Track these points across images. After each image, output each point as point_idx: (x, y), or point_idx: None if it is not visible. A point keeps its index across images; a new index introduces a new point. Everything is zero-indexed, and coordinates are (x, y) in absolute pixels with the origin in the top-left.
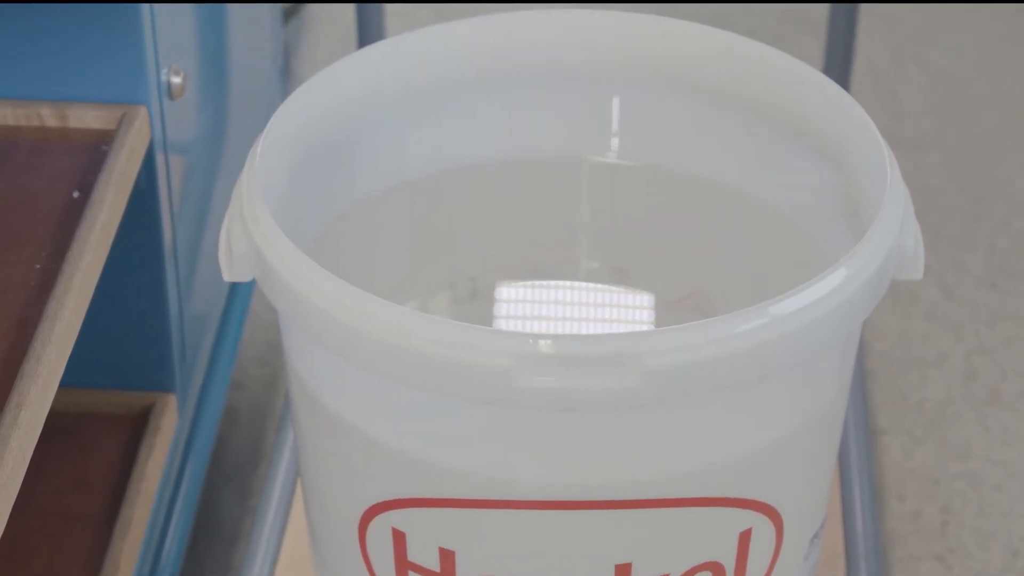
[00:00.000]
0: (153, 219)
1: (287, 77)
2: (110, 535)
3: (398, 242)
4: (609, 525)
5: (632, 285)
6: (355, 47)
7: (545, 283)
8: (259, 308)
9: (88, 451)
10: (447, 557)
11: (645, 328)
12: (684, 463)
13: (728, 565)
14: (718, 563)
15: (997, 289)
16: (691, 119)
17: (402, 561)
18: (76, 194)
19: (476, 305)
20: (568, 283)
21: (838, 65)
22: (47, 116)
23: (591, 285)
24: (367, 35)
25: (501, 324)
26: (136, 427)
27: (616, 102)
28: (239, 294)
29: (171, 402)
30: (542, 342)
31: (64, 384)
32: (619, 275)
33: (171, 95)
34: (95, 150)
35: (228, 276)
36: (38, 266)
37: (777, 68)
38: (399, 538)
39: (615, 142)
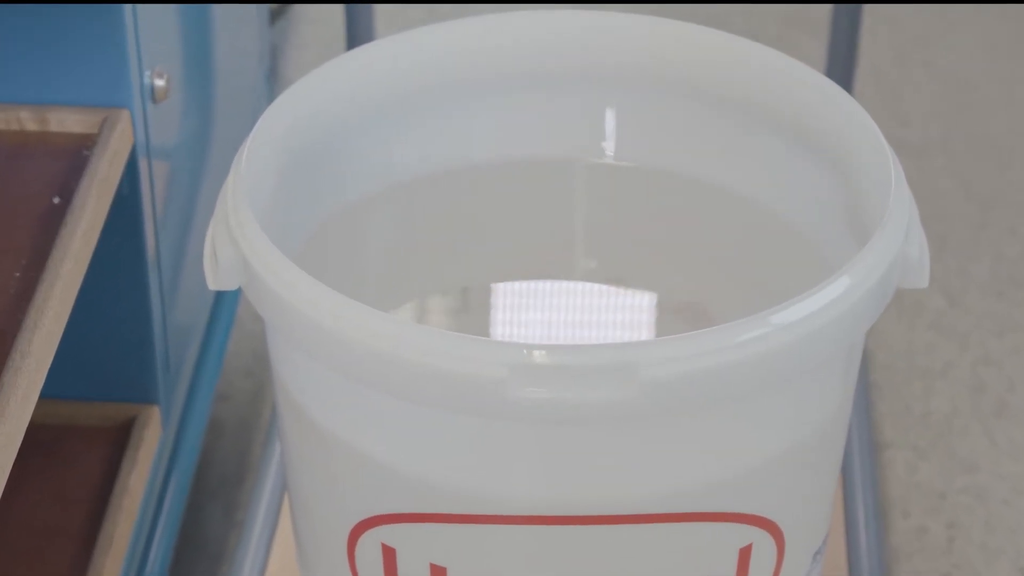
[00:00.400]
0: (136, 226)
1: (274, 80)
2: (92, 551)
3: (388, 248)
4: (605, 541)
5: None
6: (344, 48)
7: (539, 290)
8: (245, 317)
9: (69, 465)
10: (438, 574)
11: (642, 338)
12: (682, 477)
13: None
14: None
15: (1004, 298)
16: (689, 121)
17: None
18: (57, 200)
19: (468, 313)
20: (563, 290)
21: (840, 67)
22: (27, 120)
23: (587, 291)
24: (356, 36)
25: (494, 333)
26: (118, 440)
27: (612, 104)
28: (224, 303)
29: (154, 414)
30: (536, 352)
31: (44, 396)
32: (615, 282)
33: (154, 98)
34: (76, 155)
35: (213, 284)
36: (17, 274)
37: (778, 70)
38: (389, 554)
39: (610, 144)
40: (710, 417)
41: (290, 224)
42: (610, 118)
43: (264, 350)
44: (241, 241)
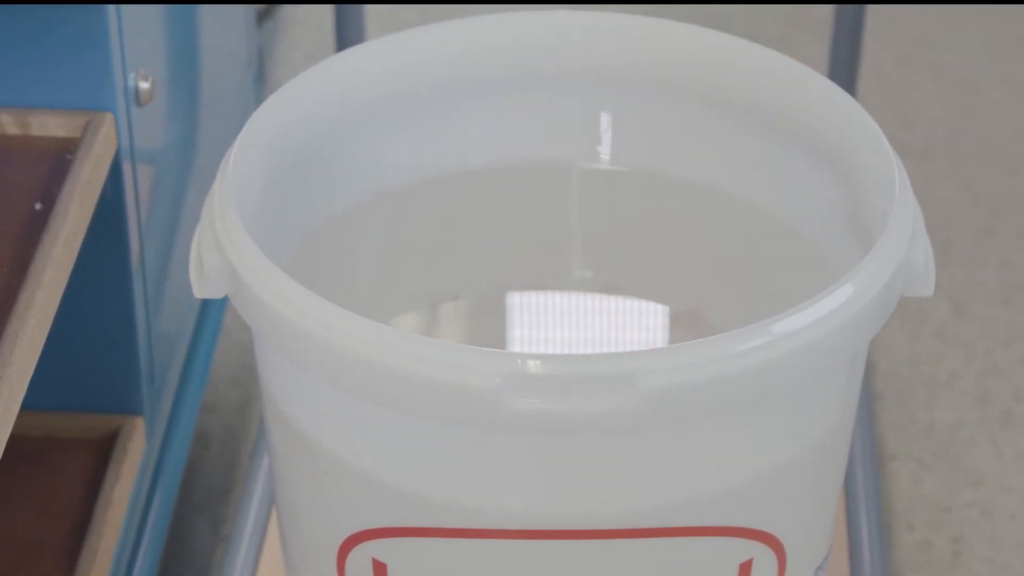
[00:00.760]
0: (120, 232)
1: (261, 82)
2: (75, 566)
3: (379, 256)
4: (602, 556)
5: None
6: (333, 50)
7: (535, 299)
8: (232, 326)
9: (51, 477)
10: None
11: (640, 346)
12: (681, 490)
13: None
14: None
15: (1011, 306)
16: (688, 124)
17: None
18: (38, 206)
19: (461, 322)
20: (559, 298)
21: (843, 69)
22: (7, 123)
23: (584, 298)
24: (346, 38)
25: (488, 343)
26: (102, 452)
27: (607, 107)
28: (211, 312)
29: (139, 425)
30: (531, 361)
31: (26, 407)
32: (612, 290)
33: (139, 101)
34: (58, 159)
35: (199, 292)
36: None
37: (779, 72)
38: (380, 570)
39: (607, 148)
40: (710, 428)
41: (278, 230)
42: (607, 121)
43: (251, 360)
44: (228, 248)
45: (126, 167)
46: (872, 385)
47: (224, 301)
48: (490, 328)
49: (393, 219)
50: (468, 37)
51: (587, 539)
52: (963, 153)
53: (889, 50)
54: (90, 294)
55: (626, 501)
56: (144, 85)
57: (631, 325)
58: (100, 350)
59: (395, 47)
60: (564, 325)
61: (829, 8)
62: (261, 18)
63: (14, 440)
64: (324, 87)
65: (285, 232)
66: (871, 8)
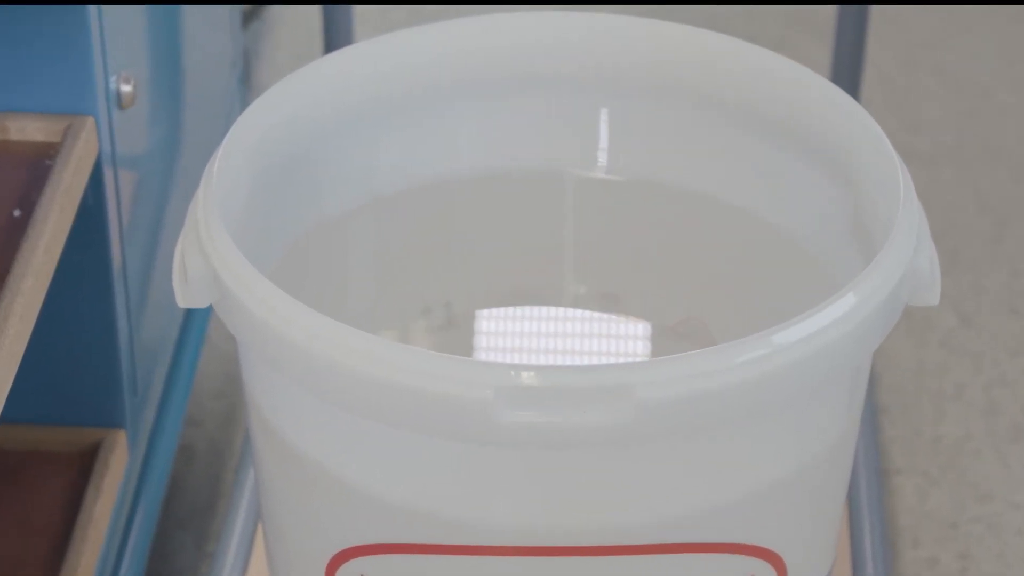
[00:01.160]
0: (101, 239)
1: (247, 85)
2: None
3: (368, 264)
4: (597, 574)
5: (622, 311)
6: (321, 52)
7: (528, 309)
8: (216, 337)
9: (31, 492)
10: None
11: (637, 358)
12: (679, 505)
13: None
14: None
15: (1020, 315)
16: (686, 130)
17: None
18: (17, 212)
19: (452, 333)
20: (553, 309)
21: (846, 72)
22: None
23: (578, 311)
24: (334, 39)
25: (480, 354)
26: (83, 466)
27: (604, 112)
28: (195, 321)
29: (121, 439)
30: (525, 373)
31: (4, 419)
32: (608, 300)
33: (121, 104)
34: (38, 164)
35: (183, 301)
36: None
37: (780, 75)
38: None
39: (603, 155)
40: (709, 441)
41: (264, 238)
42: (603, 127)
43: (236, 371)
44: (212, 255)
45: (108, 172)
46: (876, 397)
47: (208, 310)
48: (481, 340)
49: (382, 226)
50: (460, 38)
51: (581, 556)
52: (970, 158)
53: (893, 52)
54: (70, 303)
55: (622, 517)
56: (126, 88)
57: (627, 336)
58: (81, 361)
59: (385, 48)
60: (558, 337)
61: (832, 9)
62: (247, 19)
63: None
64: (312, 90)
65: (271, 239)
66: (875, 9)
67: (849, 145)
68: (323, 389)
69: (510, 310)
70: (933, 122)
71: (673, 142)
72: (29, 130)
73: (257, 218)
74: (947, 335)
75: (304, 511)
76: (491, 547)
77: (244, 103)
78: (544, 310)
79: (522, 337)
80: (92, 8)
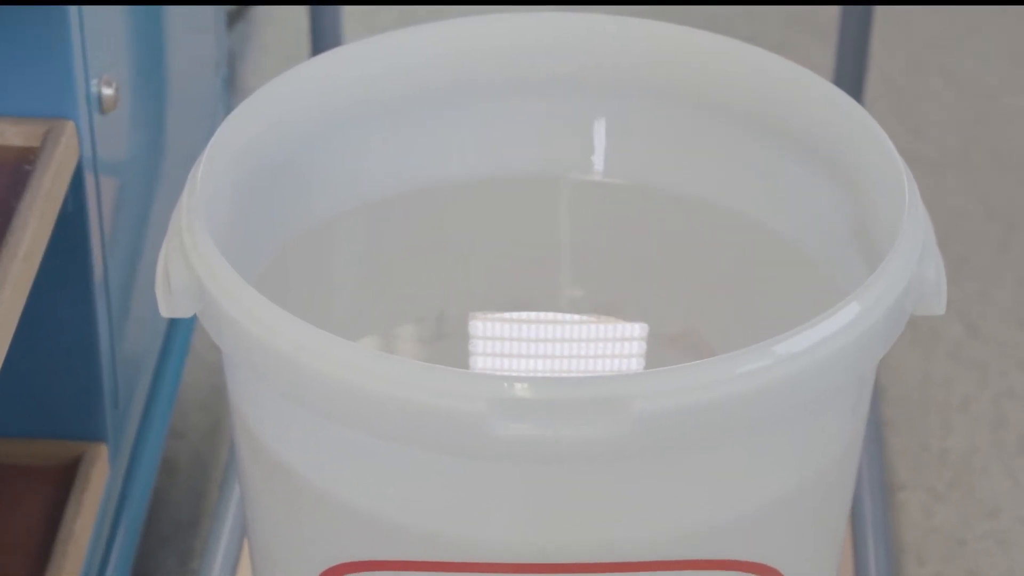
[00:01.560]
0: (82, 247)
1: (232, 88)
2: None
3: (357, 272)
4: None
5: (619, 318)
6: (308, 54)
7: (523, 317)
8: (201, 347)
9: (9, 508)
10: None
11: (634, 369)
12: (677, 521)
13: None
14: None
15: None
16: (685, 133)
17: None
18: None
19: (444, 343)
20: (549, 317)
21: (850, 74)
22: None
23: (574, 319)
24: (322, 40)
25: (473, 364)
26: (63, 481)
27: (601, 114)
28: (178, 331)
29: (102, 452)
30: (519, 385)
31: None
32: (604, 309)
33: (102, 108)
34: (16, 170)
35: (166, 311)
36: None
37: (781, 77)
38: None
39: (599, 158)
40: (708, 455)
41: (250, 245)
42: (600, 130)
43: (221, 382)
44: (196, 263)
45: (88, 178)
46: (880, 410)
47: (192, 320)
48: (474, 350)
49: (371, 233)
50: (452, 40)
51: (576, 573)
52: (977, 162)
53: (898, 54)
54: (50, 313)
55: (619, 533)
56: (108, 91)
57: (624, 347)
58: (61, 372)
59: (374, 50)
60: (552, 346)
61: (834, 9)
62: (232, 20)
63: None
64: (299, 93)
65: (257, 247)
66: (879, 9)
67: (852, 149)
68: (311, 401)
69: (504, 318)
70: (939, 126)
71: (672, 145)
72: (7, 134)
73: (242, 225)
74: (954, 345)
75: (291, 527)
76: (484, 564)
77: (229, 106)
78: (540, 318)
79: (517, 346)
80: (72, 9)
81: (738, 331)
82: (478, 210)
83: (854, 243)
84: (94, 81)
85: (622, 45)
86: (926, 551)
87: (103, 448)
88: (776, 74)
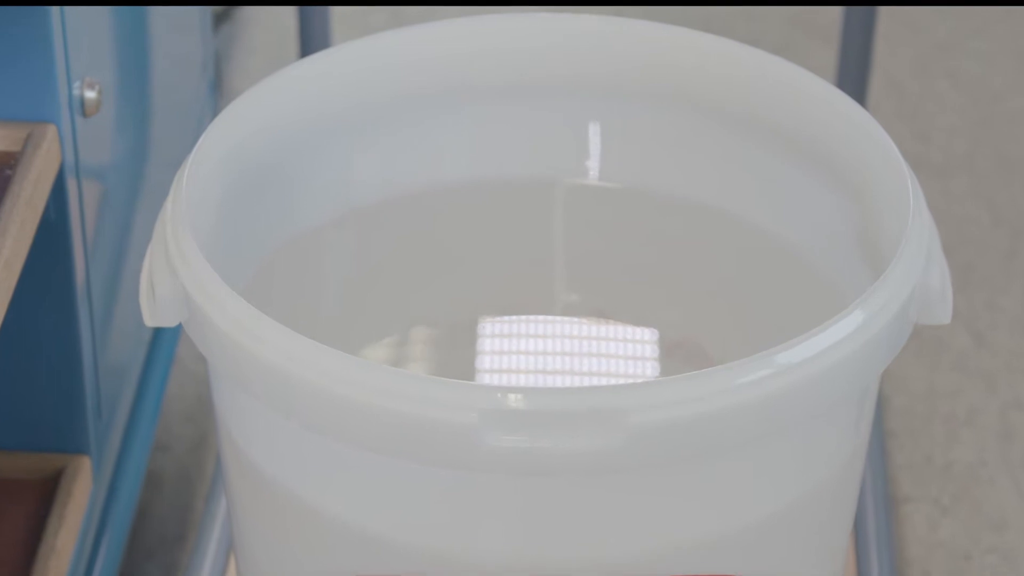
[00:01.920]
0: (64, 254)
1: (218, 91)
2: None
3: (346, 280)
4: None
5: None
6: (296, 56)
7: (517, 326)
8: (186, 357)
9: None
10: None
11: (631, 379)
12: (674, 535)
13: None
14: None
15: None
16: (683, 137)
17: None
18: None
19: (437, 351)
20: (544, 326)
21: (853, 77)
22: None
23: (569, 328)
24: (310, 42)
25: (465, 375)
26: (45, 494)
27: (596, 117)
28: (163, 341)
29: (85, 465)
30: (512, 396)
31: None
32: (600, 317)
33: (84, 112)
34: None
35: (150, 320)
36: None
37: (783, 80)
38: None
39: (594, 162)
40: (706, 468)
41: (237, 252)
42: (596, 133)
43: (207, 393)
44: (181, 271)
45: (71, 183)
46: (884, 421)
47: (177, 330)
48: (467, 359)
49: (362, 239)
50: (444, 42)
51: None
52: (984, 167)
53: (903, 56)
54: (31, 322)
55: (615, 547)
56: (90, 94)
57: (620, 356)
58: (42, 383)
59: (365, 52)
60: (546, 356)
61: (837, 10)
62: (218, 21)
63: None
64: (287, 96)
65: (244, 254)
66: (883, 10)
67: (856, 154)
68: (299, 413)
69: (498, 326)
70: (945, 129)
71: (670, 149)
72: None
73: (229, 231)
74: (960, 356)
75: (279, 542)
76: None
77: (215, 110)
78: (535, 327)
79: (511, 355)
80: (54, 9)
81: (737, 340)
82: (470, 216)
83: (857, 250)
84: (76, 84)
85: (618, 47)
86: (931, 566)
87: (86, 461)
88: (776, 76)
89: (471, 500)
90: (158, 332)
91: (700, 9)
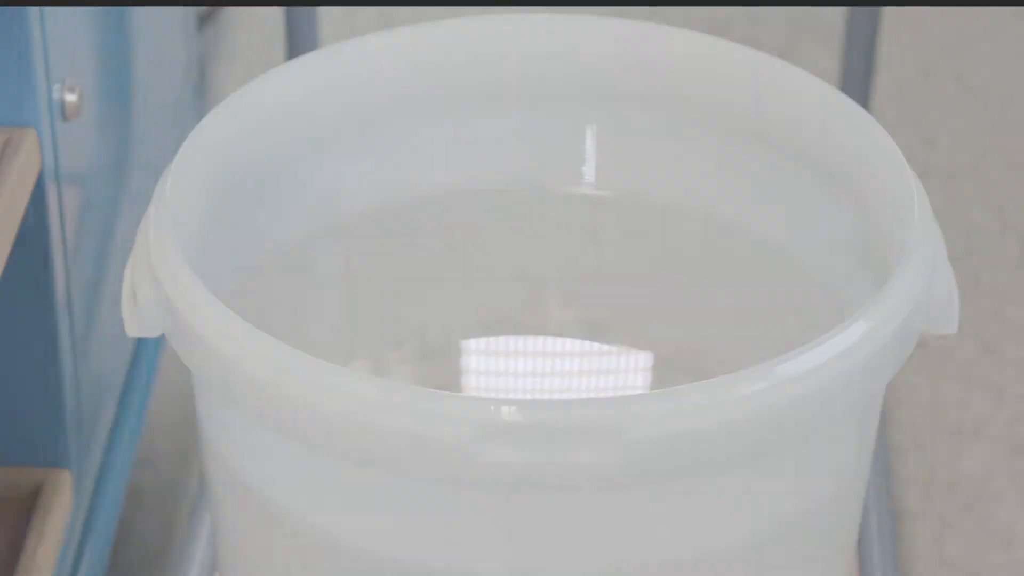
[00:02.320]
0: (43, 262)
1: (202, 94)
2: None
3: (334, 290)
4: None
5: (611, 339)
6: (283, 58)
7: (510, 338)
8: (169, 369)
9: None
10: None
11: (627, 392)
12: (672, 552)
13: None
14: None
15: None
16: (680, 143)
17: None
18: None
19: (427, 364)
20: (537, 338)
21: (857, 80)
22: None
23: (564, 341)
24: (297, 44)
25: (457, 387)
26: (24, 509)
27: (591, 122)
28: (146, 352)
29: (65, 480)
30: (505, 409)
31: None
32: (596, 328)
33: (65, 115)
34: None
35: (132, 330)
36: None
37: (785, 83)
38: None
39: (589, 169)
40: (705, 483)
41: (221, 261)
42: (590, 139)
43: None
44: (164, 280)
45: (51, 189)
46: (889, 435)
47: (160, 340)
48: (459, 373)
49: (349, 248)
50: (434, 44)
51: None
52: (991, 173)
53: (908, 58)
54: (10, 332)
55: (611, 564)
56: (71, 97)
57: (616, 369)
58: (21, 394)
59: (352, 54)
60: (540, 370)
61: (840, 11)
62: (202, 22)
63: None
64: (273, 99)
65: (229, 262)
66: (888, 11)
67: (859, 160)
68: (286, 425)
69: (491, 340)
70: (951, 134)
71: (666, 155)
72: None
73: (213, 239)
74: (966, 367)
75: (265, 559)
76: None
77: (199, 114)
78: (528, 340)
79: (504, 370)
80: (33, 10)
81: (738, 351)
82: (461, 225)
83: (862, 258)
84: (56, 87)
85: (613, 48)
86: None
87: (66, 475)
88: (778, 79)
89: (464, 516)
90: (141, 343)
91: (700, 10)
